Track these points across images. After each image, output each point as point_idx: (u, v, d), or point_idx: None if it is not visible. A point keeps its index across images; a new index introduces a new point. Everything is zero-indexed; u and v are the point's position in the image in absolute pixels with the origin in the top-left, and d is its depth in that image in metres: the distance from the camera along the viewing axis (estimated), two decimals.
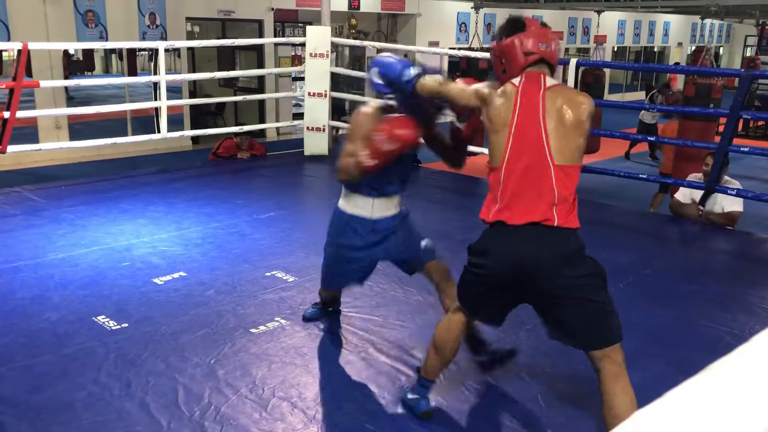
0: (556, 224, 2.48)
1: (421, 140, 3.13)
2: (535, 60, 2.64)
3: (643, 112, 11.18)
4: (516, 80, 2.63)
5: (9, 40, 9.38)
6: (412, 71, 2.95)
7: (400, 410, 2.93)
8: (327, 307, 3.81)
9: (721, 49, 27.17)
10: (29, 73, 8.92)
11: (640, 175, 6.53)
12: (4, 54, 15.02)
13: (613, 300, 2.62)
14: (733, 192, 5.54)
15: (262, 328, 3.62)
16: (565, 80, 7.02)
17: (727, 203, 5.61)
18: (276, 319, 3.76)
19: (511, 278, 2.58)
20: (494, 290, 2.68)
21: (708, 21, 19.73)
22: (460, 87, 2.84)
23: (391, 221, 3.29)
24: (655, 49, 23.96)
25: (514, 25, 2.68)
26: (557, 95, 2.56)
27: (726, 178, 5.61)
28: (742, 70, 5.92)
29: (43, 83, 7.43)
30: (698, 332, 3.79)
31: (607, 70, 10.37)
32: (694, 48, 22.39)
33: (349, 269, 3.39)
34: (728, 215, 5.60)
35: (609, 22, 19.13)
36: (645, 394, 3.05)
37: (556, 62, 2.75)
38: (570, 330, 2.61)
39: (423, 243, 3.40)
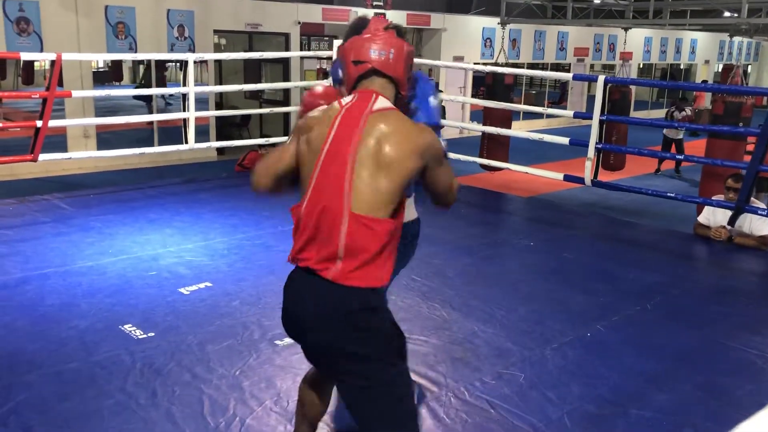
0: (331, 278, 2.01)
1: None
2: (366, 71, 2.14)
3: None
4: (347, 98, 2.15)
5: (42, 50, 9.55)
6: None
7: (423, 424, 2.91)
8: None
9: (749, 67, 26.88)
10: (60, 84, 9.07)
11: (668, 194, 6.47)
12: (36, 64, 15.29)
13: (398, 385, 2.12)
14: (763, 212, 5.46)
15: (287, 340, 3.62)
16: (591, 96, 6.96)
17: (756, 225, 5.53)
18: None
19: (293, 332, 2.19)
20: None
21: (736, 39, 19.58)
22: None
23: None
24: (682, 67, 23.78)
25: (356, 25, 2.25)
26: (381, 123, 2.04)
27: (752, 198, 5.54)
28: None
29: (75, 93, 7.55)
30: (727, 355, 3.73)
31: (633, 88, 10.30)
32: (721, 66, 22.19)
33: None
34: (763, 239, 5.50)
35: (635, 39, 19.02)
36: (672, 419, 3.03)
37: (402, 76, 2.16)
38: (349, 408, 2.17)
39: None
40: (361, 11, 12.63)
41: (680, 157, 6.57)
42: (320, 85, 2.80)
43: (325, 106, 2.18)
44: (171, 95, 15.11)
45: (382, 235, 2.02)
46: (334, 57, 2.80)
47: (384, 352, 2.09)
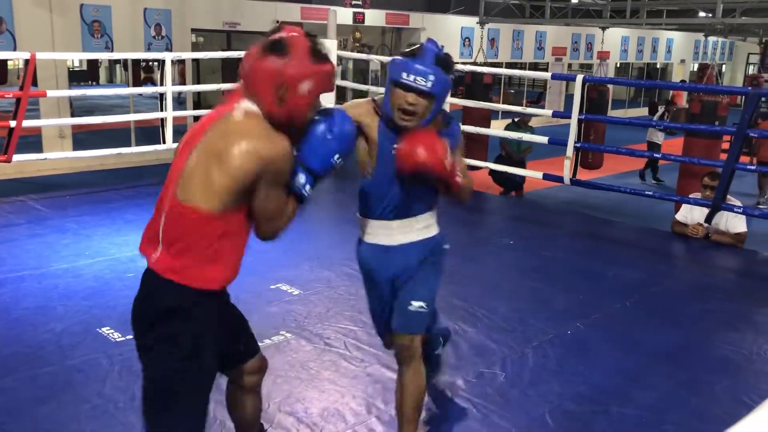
0: (148, 264, 2.01)
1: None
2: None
3: (651, 131, 11.14)
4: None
5: (15, 49, 9.41)
6: None
7: None
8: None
9: (724, 66, 27.25)
10: (35, 83, 8.94)
11: (646, 192, 6.53)
12: (9, 63, 15.07)
13: (169, 397, 2.06)
14: (739, 210, 5.52)
15: (267, 341, 3.60)
16: (570, 95, 7.00)
17: (732, 222, 5.59)
18: (281, 332, 3.74)
19: None
20: None
21: (711, 38, 19.83)
22: None
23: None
24: (658, 66, 24.04)
25: (270, 30, 2.08)
26: (233, 122, 1.96)
27: (728, 196, 5.60)
28: (750, 88, 5.92)
29: (50, 93, 7.44)
30: (707, 352, 3.77)
31: (611, 87, 10.40)
32: (697, 65, 22.45)
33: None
34: (738, 236, 5.57)
35: (612, 39, 19.18)
36: (653, 416, 3.05)
37: (254, 90, 1.97)
38: None
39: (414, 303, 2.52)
40: (340, 10, 12.61)
41: (658, 155, 6.63)
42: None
43: None
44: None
45: (203, 227, 1.92)
46: None
47: (168, 365, 2.01)
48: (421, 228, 2.54)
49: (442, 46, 2.46)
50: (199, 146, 1.94)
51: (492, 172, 7.96)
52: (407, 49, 2.42)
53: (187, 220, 1.92)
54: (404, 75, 2.28)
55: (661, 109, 12.20)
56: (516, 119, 9.05)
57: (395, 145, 2.34)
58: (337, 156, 2.10)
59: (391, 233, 2.51)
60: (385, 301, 2.61)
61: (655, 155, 6.44)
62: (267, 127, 1.96)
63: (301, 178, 2.07)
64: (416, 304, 2.49)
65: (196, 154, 1.94)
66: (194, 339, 2.00)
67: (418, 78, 2.27)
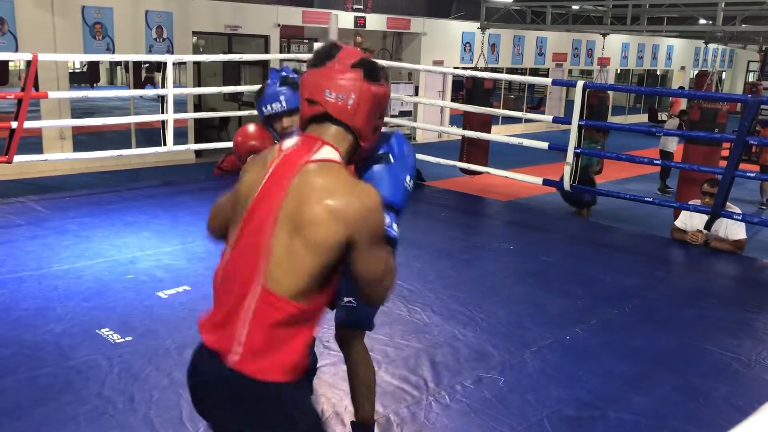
0: (232, 365, 1.65)
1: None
2: (317, 114, 1.74)
3: (663, 140, 11.11)
4: (289, 141, 1.76)
5: (17, 50, 9.42)
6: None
7: (404, 429, 2.91)
8: None
9: (724, 73, 27.30)
10: (36, 84, 8.95)
11: (646, 198, 6.54)
12: (11, 64, 15.08)
13: None
14: (738, 217, 5.53)
15: None
16: (570, 101, 7.01)
17: (731, 229, 5.60)
18: None
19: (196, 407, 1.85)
20: None
21: (711, 46, 19.87)
22: None
23: None
24: (658, 73, 24.09)
25: (319, 54, 1.79)
26: (313, 177, 1.64)
27: (727, 203, 5.61)
28: (750, 96, 5.93)
29: (52, 94, 7.46)
30: (705, 358, 3.77)
31: (611, 93, 10.43)
32: (696, 72, 22.49)
33: None
34: (737, 243, 5.58)
35: (613, 45, 19.22)
36: (650, 421, 3.05)
37: (363, 126, 1.75)
38: None
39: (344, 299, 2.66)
40: (342, 14, 12.64)
41: (657, 161, 6.64)
42: (253, 124, 2.80)
43: (268, 149, 1.82)
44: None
45: (291, 320, 1.64)
46: (265, 90, 2.63)
47: None
48: None
49: (288, 68, 2.71)
50: (281, 218, 1.62)
51: (562, 194, 7.38)
52: (259, 89, 2.68)
53: (282, 314, 1.63)
54: (264, 109, 2.59)
55: (675, 119, 12.08)
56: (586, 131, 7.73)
57: None
58: (408, 178, 1.92)
59: None
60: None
61: (655, 162, 6.45)
62: (349, 179, 1.68)
63: (386, 219, 1.79)
64: (345, 299, 2.66)
65: (281, 231, 1.62)
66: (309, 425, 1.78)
67: (273, 104, 2.57)
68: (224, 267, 1.73)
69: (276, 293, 1.61)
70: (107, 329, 3.71)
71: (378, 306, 1.84)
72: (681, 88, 20.53)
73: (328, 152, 1.70)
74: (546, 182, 6.89)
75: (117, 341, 3.58)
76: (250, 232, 1.67)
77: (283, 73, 2.61)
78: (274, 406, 1.68)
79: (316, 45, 8.51)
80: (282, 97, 2.54)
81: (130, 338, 3.62)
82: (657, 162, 6.53)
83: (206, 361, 1.72)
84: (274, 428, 1.69)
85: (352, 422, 2.79)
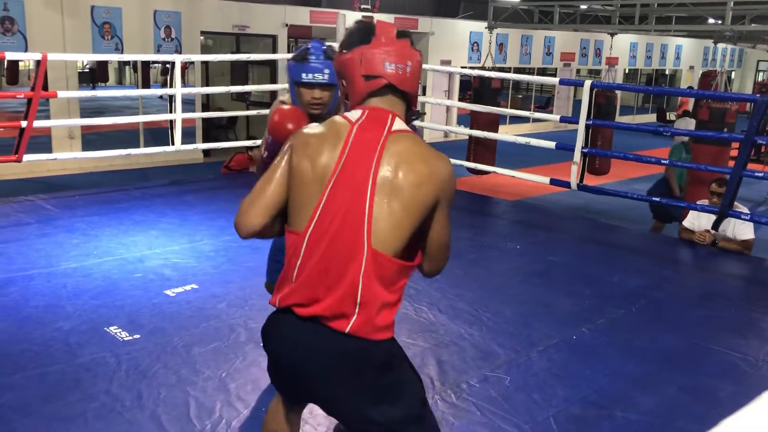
0: (348, 330, 1.75)
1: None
2: (379, 87, 1.86)
3: (676, 139, 11.06)
4: (353, 114, 1.87)
5: (27, 50, 9.48)
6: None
7: None
8: None
9: (733, 73, 27.18)
10: (45, 84, 9.01)
11: (653, 198, 6.52)
12: (21, 64, 15.17)
13: (434, 423, 1.99)
14: (746, 217, 5.51)
15: None
16: (578, 100, 7.00)
17: (739, 229, 5.59)
18: None
19: (296, 388, 1.94)
20: (289, 393, 2.04)
21: (720, 45, 19.78)
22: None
23: None
24: (667, 72, 24.00)
25: (360, 32, 1.90)
26: (399, 146, 1.79)
27: (735, 203, 5.60)
28: (758, 95, 5.91)
29: (61, 94, 7.50)
30: (712, 358, 3.76)
31: (619, 93, 10.41)
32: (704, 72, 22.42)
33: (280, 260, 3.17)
34: (745, 243, 5.57)
35: (621, 45, 19.17)
36: (657, 421, 3.05)
37: (416, 93, 1.93)
38: None
39: None
40: (349, 14, 12.66)
41: (665, 161, 6.61)
42: (285, 103, 2.79)
43: (323, 124, 1.90)
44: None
45: (395, 279, 1.78)
46: (289, 68, 2.74)
47: (412, 405, 1.88)
48: None
49: (326, 42, 2.79)
50: (380, 185, 1.74)
51: (652, 206, 7.23)
52: (298, 53, 2.74)
53: (390, 271, 1.76)
54: (304, 75, 2.67)
55: (687, 119, 12.02)
56: (683, 140, 7.53)
57: None
58: None
59: None
60: None
61: (662, 162, 6.42)
62: (431, 147, 1.84)
63: None
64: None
65: (381, 196, 1.74)
66: (414, 384, 1.93)
67: (317, 75, 2.66)
68: (312, 234, 1.77)
69: (384, 253, 1.73)
70: (115, 327, 3.73)
71: (437, 274, 1.96)
72: (690, 87, 20.44)
73: (400, 123, 1.85)
74: (553, 182, 6.88)
75: (125, 339, 3.60)
76: (343, 202, 1.75)
77: (325, 47, 2.72)
78: (388, 363, 1.81)
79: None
80: (327, 71, 2.66)
81: (138, 336, 3.64)
82: (664, 162, 6.51)
83: (313, 333, 1.78)
84: (392, 383, 1.82)
85: None
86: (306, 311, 1.79)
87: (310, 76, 2.66)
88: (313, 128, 1.90)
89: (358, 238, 1.74)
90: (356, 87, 1.88)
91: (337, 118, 1.88)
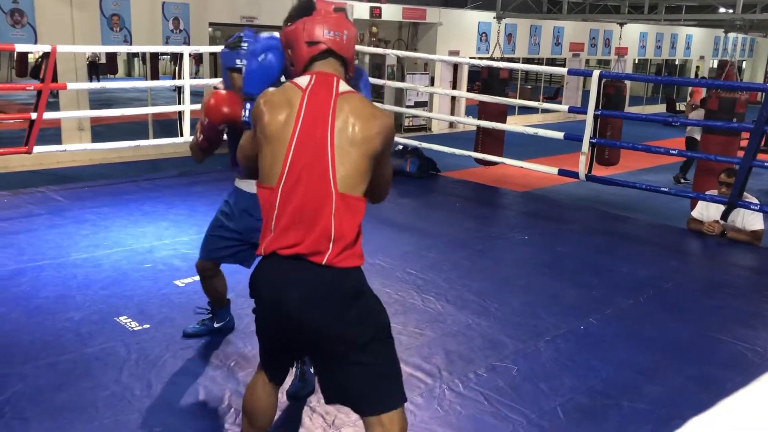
0: (325, 262, 2.01)
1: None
2: (320, 52, 2.14)
3: (690, 127, 11.01)
4: (303, 80, 2.13)
5: (36, 42, 9.51)
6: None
7: (418, 416, 2.93)
8: (215, 311, 3.60)
9: (744, 63, 26.96)
10: (54, 76, 9.05)
11: (662, 188, 6.50)
12: (30, 56, 15.23)
13: (395, 355, 2.20)
14: (756, 207, 5.49)
15: None
16: (587, 91, 6.97)
17: (748, 219, 5.56)
18: None
19: (275, 323, 2.13)
20: (270, 339, 2.23)
21: (731, 35, 19.63)
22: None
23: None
24: (677, 62, 23.84)
25: (302, 7, 2.19)
26: (347, 105, 2.07)
27: (744, 193, 5.57)
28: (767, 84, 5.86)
29: (70, 85, 7.53)
30: (719, 348, 3.76)
31: (628, 83, 10.35)
32: (716, 62, 22.23)
33: (221, 236, 3.38)
34: (755, 234, 5.54)
35: (631, 35, 19.04)
36: (664, 411, 3.06)
37: (352, 58, 2.22)
38: (340, 391, 2.15)
39: None
40: (358, 5, 12.64)
41: (674, 151, 6.58)
42: (220, 89, 3.10)
43: (279, 89, 2.15)
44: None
45: (359, 214, 2.08)
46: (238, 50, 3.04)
47: (381, 328, 2.15)
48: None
49: (256, 31, 2.99)
50: (338, 139, 2.03)
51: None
52: (231, 40, 3.00)
53: (354, 211, 2.05)
54: (238, 61, 2.93)
55: (700, 110, 11.92)
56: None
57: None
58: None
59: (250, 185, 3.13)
60: None
61: (671, 152, 6.40)
62: (370, 101, 2.17)
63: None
64: None
65: (340, 148, 2.03)
66: (381, 310, 2.19)
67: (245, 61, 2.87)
68: (284, 189, 2.04)
69: (350, 194, 2.03)
70: (125, 317, 3.77)
71: (380, 201, 2.30)
72: (702, 77, 20.31)
73: (344, 85, 2.13)
74: (562, 172, 6.87)
75: (135, 329, 3.63)
76: (308, 156, 2.03)
77: (258, 36, 2.92)
78: (360, 286, 2.11)
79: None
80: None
81: (148, 326, 3.68)
82: (673, 152, 6.48)
83: (293, 268, 2.04)
84: (362, 306, 2.10)
85: None
86: (288, 252, 2.05)
87: (244, 61, 2.88)
88: (273, 92, 2.16)
89: (325, 186, 2.02)
90: (300, 52, 2.16)
91: (289, 84, 2.15)
